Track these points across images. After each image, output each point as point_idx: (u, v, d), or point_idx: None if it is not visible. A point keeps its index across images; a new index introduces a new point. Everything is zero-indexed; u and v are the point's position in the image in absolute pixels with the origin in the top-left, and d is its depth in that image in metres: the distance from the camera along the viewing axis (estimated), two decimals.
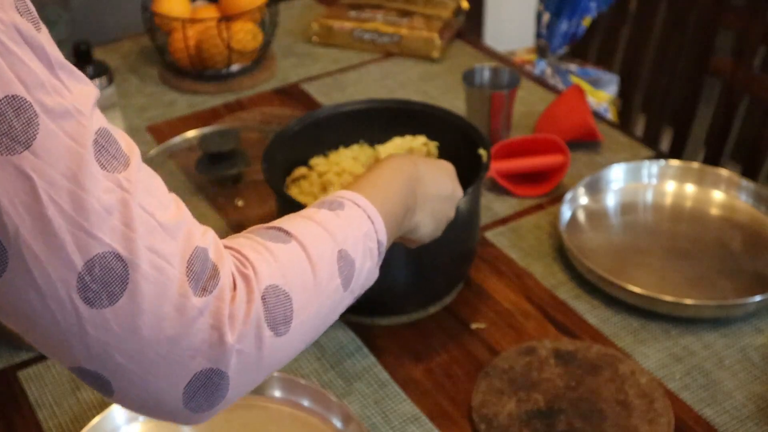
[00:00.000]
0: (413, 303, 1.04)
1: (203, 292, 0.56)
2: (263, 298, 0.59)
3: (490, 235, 1.17)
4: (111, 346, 0.54)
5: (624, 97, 1.92)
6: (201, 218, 1.28)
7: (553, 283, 1.09)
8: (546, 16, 2.02)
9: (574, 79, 1.98)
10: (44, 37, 0.52)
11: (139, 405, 0.58)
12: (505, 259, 1.13)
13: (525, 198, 1.24)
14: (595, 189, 1.22)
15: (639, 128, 1.93)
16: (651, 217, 1.20)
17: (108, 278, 0.52)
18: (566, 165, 1.24)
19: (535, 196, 1.25)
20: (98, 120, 0.55)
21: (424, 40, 1.60)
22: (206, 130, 1.39)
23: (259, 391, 0.93)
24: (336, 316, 0.69)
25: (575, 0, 1.93)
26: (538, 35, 2.06)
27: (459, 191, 0.90)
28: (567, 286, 1.09)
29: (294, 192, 1.08)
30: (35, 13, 0.52)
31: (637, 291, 1.02)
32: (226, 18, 1.49)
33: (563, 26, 1.97)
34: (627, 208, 1.21)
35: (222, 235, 1.17)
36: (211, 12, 1.54)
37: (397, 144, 1.11)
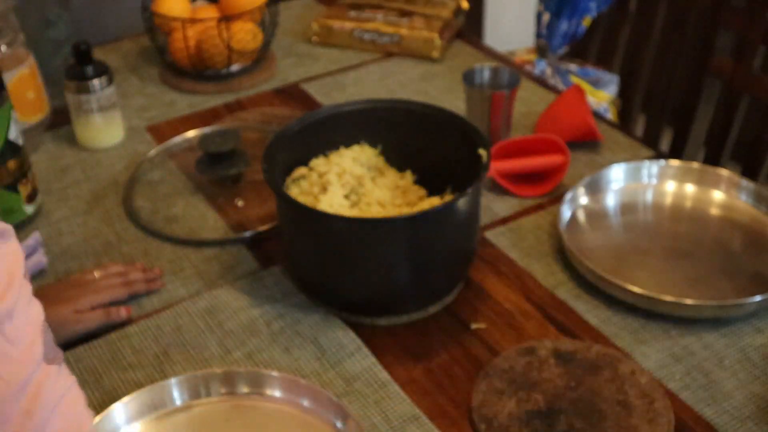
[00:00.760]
0: (413, 303, 1.04)
1: None
2: None
3: (490, 235, 1.17)
4: None
5: (624, 97, 1.92)
6: (201, 218, 1.29)
7: (553, 283, 1.09)
8: (546, 16, 2.02)
9: (574, 79, 1.98)
10: None
11: None
12: (505, 259, 1.13)
13: (525, 198, 1.24)
14: (595, 189, 1.22)
15: (639, 128, 1.93)
16: (651, 217, 1.20)
17: None
18: (566, 165, 1.24)
19: (535, 196, 1.25)
20: None
21: (424, 40, 1.60)
22: (206, 130, 1.39)
23: (259, 391, 0.93)
24: None
25: (575, 0, 1.93)
26: (538, 35, 2.06)
27: None
28: (567, 286, 1.09)
29: (294, 192, 1.08)
30: None
31: (637, 291, 1.02)
32: (226, 18, 1.49)
33: (563, 26, 1.97)
34: (627, 208, 1.21)
35: (221, 235, 1.16)
36: (211, 12, 1.54)
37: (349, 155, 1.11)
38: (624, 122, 1.90)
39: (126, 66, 1.63)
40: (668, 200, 1.23)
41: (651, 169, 1.24)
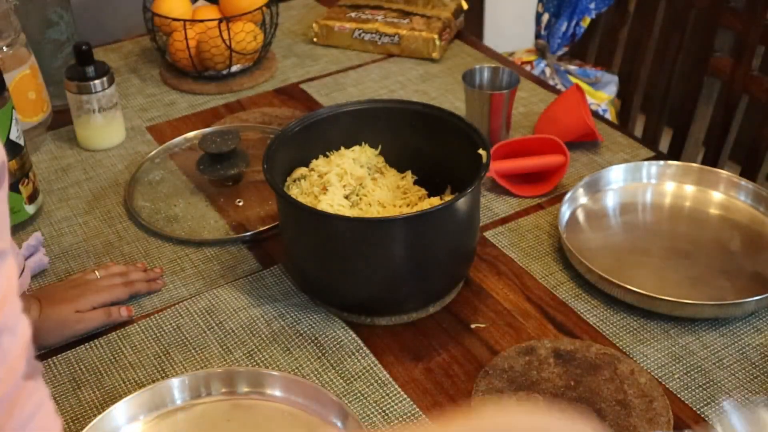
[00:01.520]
0: (413, 303, 1.04)
1: None
2: None
3: (490, 235, 1.17)
4: None
5: (623, 97, 1.92)
6: (201, 218, 1.29)
7: (553, 283, 1.09)
8: (545, 17, 2.02)
9: (574, 80, 1.98)
10: None
11: None
12: (504, 258, 1.14)
13: (525, 198, 1.25)
14: (595, 189, 1.23)
15: (638, 128, 1.94)
16: (650, 218, 1.21)
17: None
18: (566, 165, 1.24)
19: (535, 196, 1.25)
20: None
21: (424, 40, 1.61)
22: (207, 130, 1.39)
23: (259, 390, 0.93)
24: None
25: (575, 0, 1.93)
26: (538, 36, 2.06)
27: None
28: (566, 285, 1.09)
29: (294, 192, 1.09)
30: None
31: (636, 291, 1.02)
32: (227, 19, 1.50)
33: (563, 27, 1.98)
34: (626, 208, 1.22)
35: (222, 234, 1.16)
36: (211, 13, 1.55)
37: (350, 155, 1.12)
38: (623, 122, 1.90)
39: (127, 66, 1.63)
40: (667, 200, 1.23)
41: (650, 169, 1.25)
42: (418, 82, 1.56)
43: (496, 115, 1.31)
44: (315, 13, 1.82)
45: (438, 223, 0.98)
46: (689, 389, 0.95)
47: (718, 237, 1.16)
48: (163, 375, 0.97)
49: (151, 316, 1.06)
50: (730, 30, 1.59)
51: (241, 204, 1.24)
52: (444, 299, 1.06)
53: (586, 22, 1.97)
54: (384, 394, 0.95)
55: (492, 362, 0.97)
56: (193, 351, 1.01)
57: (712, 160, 1.64)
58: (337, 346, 1.01)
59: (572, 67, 2.02)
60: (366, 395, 0.95)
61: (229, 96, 1.53)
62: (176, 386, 0.93)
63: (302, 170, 1.11)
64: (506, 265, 1.12)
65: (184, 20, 1.49)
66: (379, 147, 1.16)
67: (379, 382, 0.96)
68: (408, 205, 1.10)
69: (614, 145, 1.36)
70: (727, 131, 1.61)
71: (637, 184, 1.24)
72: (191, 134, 1.39)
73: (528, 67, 2.03)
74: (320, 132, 1.12)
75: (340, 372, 0.97)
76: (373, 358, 0.99)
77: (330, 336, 1.02)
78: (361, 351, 1.00)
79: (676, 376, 0.96)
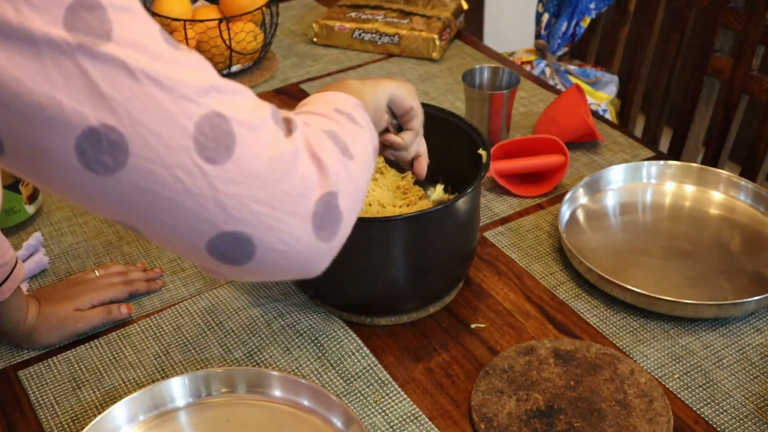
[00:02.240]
0: (413, 303, 1.04)
1: (289, 133, 0.64)
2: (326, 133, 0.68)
3: (489, 235, 1.17)
4: (243, 195, 0.60)
5: (623, 97, 1.92)
6: None
7: (553, 283, 1.09)
8: (546, 17, 2.02)
9: (574, 80, 1.98)
10: None
11: (280, 256, 0.62)
12: (504, 258, 1.14)
13: (525, 198, 1.25)
14: (595, 189, 1.23)
15: (638, 128, 1.94)
16: (650, 218, 1.21)
17: (218, 134, 0.58)
18: (566, 165, 1.24)
19: (535, 196, 1.25)
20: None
21: (424, 40, 1.61)
22: None
23: (259, 390, 0.93)
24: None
25: (575, 0, 1.93)
26: (538, 36, 2.06)
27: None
28: (567, 285, 1.09)
29: None
30: None
31: (636, 291, 1.02)
32: (227, 19, 1.50)
33: (563, 27, 1.98)
34: (626, 208, 1.22)
35: None
36: (211, 13, 1.55)
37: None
38: (623, 122, 1.90)
39: None
40: (667, 200, 1.23)
41: (650, 169, 1.25)
42: (418, 82, 1.56)
43: (496, 115, 1.31)
44: (315, 13, 1.82)
45: (438, 223, 0.98)
46: (689, 389, 0.95)
47: (718, 237, 1.16)
48: (163, 375, 0.97)
49: (151, 316, 1.06)
50: (730, 30, 1.59)
51: None
52: (444, 299, 1.06)
53: (586, 22, 1.97)
54: (384, 394, 0.95)
55: (492, 362, 0.97)
56: (193, 351, 1.01)
57: (712, 160, 1.64)
58: (337, 346, 1.01)
59: (572, 67, 2.02)
60: (366, 395, 0.95)
61: None
62: (176, 386, 0.93)
63: None
64: (506, 265, 1.12)
65: (184, 20, 1.49)
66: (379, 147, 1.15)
67: (379, 382, 0.96)
68: (408, 205, 1.10)
69: (614, 145, 1.36)
70: (727, 131, 1.61)
71: (637, 184, 1.25)
72: None
73: (528, 67, 2.03)
74: None
75: (340, 372, 0.97)
76: (373, 358, 0.99)
77: (330, 336, 1.02)
78: (361, 351, 1.00)
79: (676, 376, 0.96)
